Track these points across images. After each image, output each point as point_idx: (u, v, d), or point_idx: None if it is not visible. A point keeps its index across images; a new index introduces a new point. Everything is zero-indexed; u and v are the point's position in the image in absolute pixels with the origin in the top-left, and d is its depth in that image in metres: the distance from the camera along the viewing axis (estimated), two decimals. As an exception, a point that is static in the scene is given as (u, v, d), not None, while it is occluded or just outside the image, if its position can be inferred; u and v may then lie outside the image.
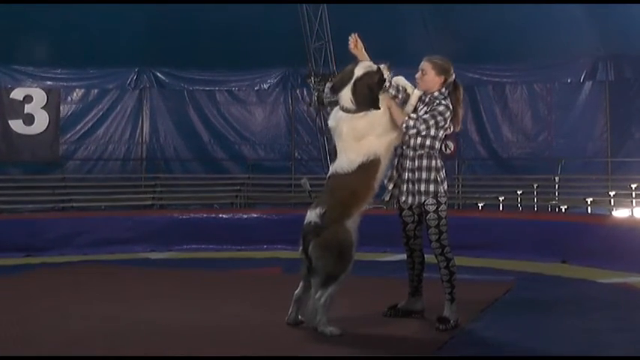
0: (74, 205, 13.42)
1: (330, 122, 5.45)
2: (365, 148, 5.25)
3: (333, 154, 5.46)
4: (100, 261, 9.88)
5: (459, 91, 5.52)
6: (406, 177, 5.44)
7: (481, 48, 13.76)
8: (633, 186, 12.34)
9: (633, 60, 13.41)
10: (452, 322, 5.35)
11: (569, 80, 14.32)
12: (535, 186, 13.44)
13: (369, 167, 5.25)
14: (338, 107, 5.40)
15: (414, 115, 5.37)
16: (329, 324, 5.09)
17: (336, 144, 5.37)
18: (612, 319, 5.80)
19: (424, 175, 5.38)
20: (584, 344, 4.98)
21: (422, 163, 5.38)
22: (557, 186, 13.57)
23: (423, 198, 5.38)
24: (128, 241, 11.07)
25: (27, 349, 4.86)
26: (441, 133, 5.42)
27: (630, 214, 12.09)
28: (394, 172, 5.53)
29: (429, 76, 5.44)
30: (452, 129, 5.53)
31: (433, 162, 5.40)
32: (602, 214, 12.13)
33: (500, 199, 12.82)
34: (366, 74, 5.31)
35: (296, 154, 15.46)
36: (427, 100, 5.46)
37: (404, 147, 5.44)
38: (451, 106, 5.41)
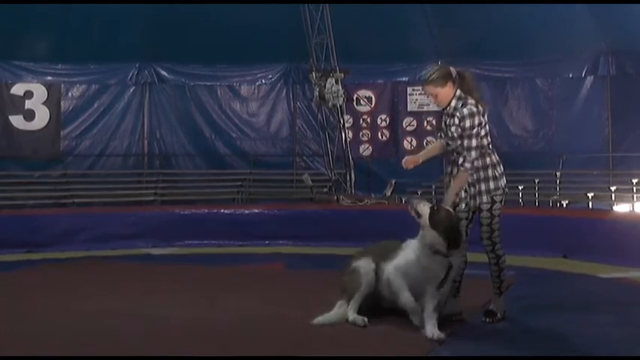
0: (75, 200, 13.43)
1: None
2: None
3: None
4: (101, 257, 9.88)
5: (466, 79, 5.43)
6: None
7: (482, 44, 13.75)
8: (634, 181, 12.36)
9: (634, 55, 13.41)
10: (499, 315, 5.46)
11: (570, 75, 14.33)
12: (536, 181, 13.46)
13: None
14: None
15: (464, 162, 5.28)
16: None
17: None
18: (613, 314, 5.79)
19: (482, 174, 5.36)
20: (585, 339, 4.97)
21: (478, 163, 5.34)
22: (558, 181, 13.58)
23: (485, 197, 5.36)
24: (129, 236, 11.07)
25: (27, 346, 4.85)
26: (482, 131, 5.32)
27: (631, 208, 12.10)
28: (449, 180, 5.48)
29: (440, 93, 5.38)
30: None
31: (488, 159, 5.38)
32: (604, 209, 12.13)
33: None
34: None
35: (297, 150, 15.46)
36: (449, 111, 5.40)
37: (455, 154, 5.39)
38: (474, 108, 5.29)
